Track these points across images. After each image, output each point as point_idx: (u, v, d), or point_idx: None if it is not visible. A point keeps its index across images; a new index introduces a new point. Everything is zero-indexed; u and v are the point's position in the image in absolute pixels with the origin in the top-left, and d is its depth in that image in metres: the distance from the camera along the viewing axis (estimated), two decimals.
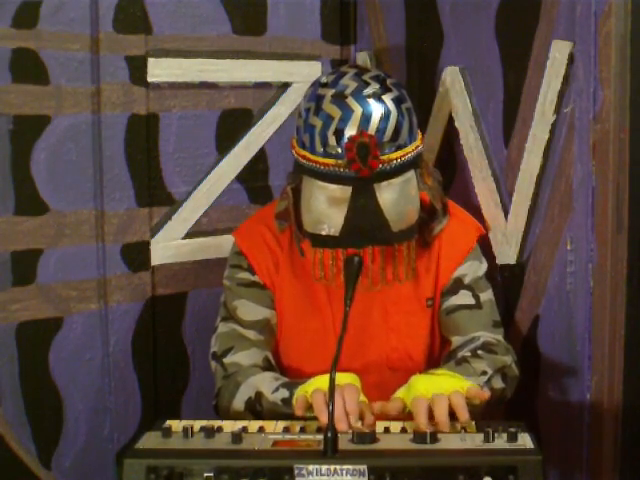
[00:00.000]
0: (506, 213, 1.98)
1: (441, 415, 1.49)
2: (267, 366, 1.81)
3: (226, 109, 2.21)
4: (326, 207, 1.71)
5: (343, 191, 1.69)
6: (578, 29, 1.77)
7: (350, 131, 1.67)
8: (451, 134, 2.11)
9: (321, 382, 1.56)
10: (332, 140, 1.68)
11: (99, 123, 2.01)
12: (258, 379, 1.73)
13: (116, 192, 2.06)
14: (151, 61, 2.07)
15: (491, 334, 1.83)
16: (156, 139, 2.12)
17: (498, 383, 1.71)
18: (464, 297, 1.85)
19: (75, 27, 1.97)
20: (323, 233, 1.73)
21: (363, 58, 2.31)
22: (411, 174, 1.74)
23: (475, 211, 2.00)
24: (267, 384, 1.70)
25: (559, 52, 1.82)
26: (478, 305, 1.85)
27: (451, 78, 2.07)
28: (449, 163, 2.11)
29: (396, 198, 1.71)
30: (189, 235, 2.19)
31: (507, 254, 1.98)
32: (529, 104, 1.90)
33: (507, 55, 1.96)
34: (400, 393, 1.59)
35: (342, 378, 1.54)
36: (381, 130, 1.68)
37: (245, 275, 1.86)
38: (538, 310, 1.93)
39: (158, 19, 2.08)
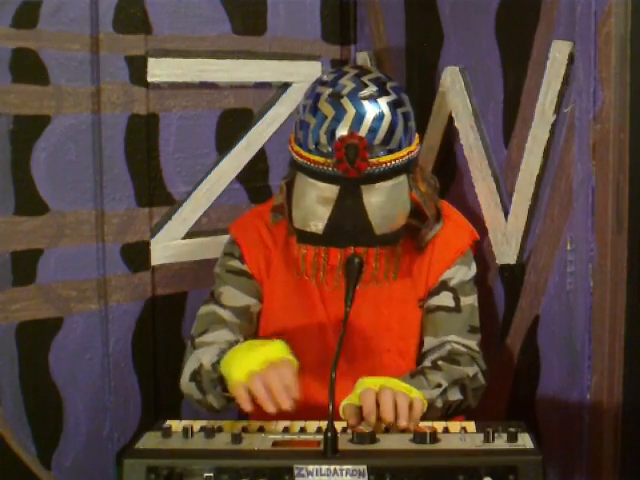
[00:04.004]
0: (506, 213, 1.98)
1: (386, 412, 1.46)
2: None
3: (226, 109, 2.21)
4: (314, 204, 1.72)
5: (332, 190, 1.70)
6: (578, 29, 1.77)
7: (341, 131, 1.67)
8: (451, 134, 2.11)
9: (251, 359, 1.53)
10: (324, 139, 1.69)
11: (99, 123, 2.01)
12: (204, 351, 1.73)
13: (116, 192, 2.05)
14: (151, 61, 2.07)
15: (464, 339, 1.82)
16: (156, 139, 2.12)
17: (455, 395, 1.69)
18: (445, 298, 1.84)
19: (75, 27, 1.96)
20: (308, 230, 1.73)
21: (363, 58, 2.31)
22: (402, 178, 1.74)
23: (475, 211, 2.00)
24: (209, 356, 1.69)
25: (559, 52, 1.82)
26: (457, 308, 1.84)
27: (451, 78, 2.07)
28: (449, 163, 2.11)
29: (383, 201, 1.71)
30: (189, 235, 2.19)
31: (507, 254, 1.98)
32: (529, 104, 1.90)
33: (507, 55, 1.96)
34: (348, 399, 1.53)
35: (272, 350, 1.53)
36: (373, 132, 1.68)
37: (235, 263, 1.88)
38: (538, 310, 1.93)
39: (158, 19, 2.08)
